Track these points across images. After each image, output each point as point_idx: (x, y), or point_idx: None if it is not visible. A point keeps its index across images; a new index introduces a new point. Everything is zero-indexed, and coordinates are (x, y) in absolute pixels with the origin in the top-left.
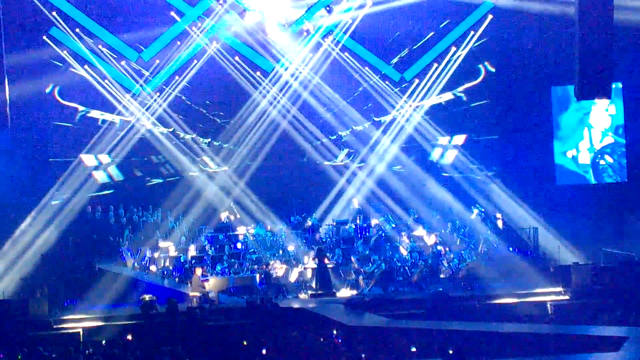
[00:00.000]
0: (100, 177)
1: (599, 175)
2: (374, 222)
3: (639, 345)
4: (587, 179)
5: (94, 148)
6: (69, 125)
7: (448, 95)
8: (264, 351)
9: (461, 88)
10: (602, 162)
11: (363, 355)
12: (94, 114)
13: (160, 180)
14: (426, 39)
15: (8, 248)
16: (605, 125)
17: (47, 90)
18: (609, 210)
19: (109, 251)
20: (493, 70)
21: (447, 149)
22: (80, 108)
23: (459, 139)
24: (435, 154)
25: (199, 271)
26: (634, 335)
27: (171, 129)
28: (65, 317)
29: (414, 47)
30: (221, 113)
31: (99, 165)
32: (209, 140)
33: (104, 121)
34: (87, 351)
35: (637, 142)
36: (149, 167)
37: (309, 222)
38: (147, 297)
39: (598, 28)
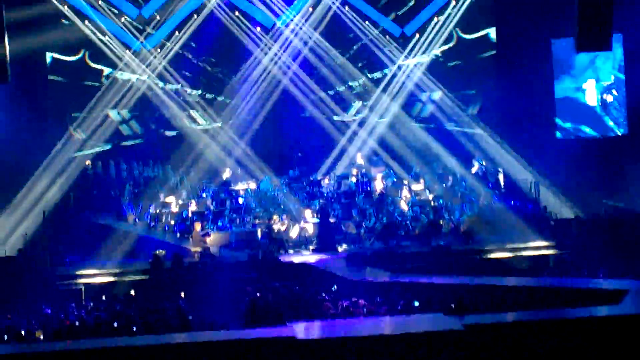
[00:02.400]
0: (123, 130)
1: (606, 107)
2: (379, 176)
3: (639, 297)
4: (596, 110)
5: (99, 104)
6: (97, 84)
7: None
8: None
9: (442, 49)
10: (608, 97)
11: (365, 310)
12: (119, 74)
13: (174, 133)
14: None
15: (16, 205)
16: (610, 64)
17: (78, 56)
18: (610, 163)
19: (111, 206)
20: (465, 36)
21: (427, 104)
22: (106, 70)
23: (436, 95)
24: (415, 110)
25: (198, 226)
26: (634, 288)
27: (177, 86)
28: (67, 274)
29: (415, 2)
30: (216, 66)
31: (121, 120)
32: (200, 92)
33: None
34: (89, 307)
35: (637, 94)
36: (163, 120)
37: (327, 180)
38: (158, 252)
39: None
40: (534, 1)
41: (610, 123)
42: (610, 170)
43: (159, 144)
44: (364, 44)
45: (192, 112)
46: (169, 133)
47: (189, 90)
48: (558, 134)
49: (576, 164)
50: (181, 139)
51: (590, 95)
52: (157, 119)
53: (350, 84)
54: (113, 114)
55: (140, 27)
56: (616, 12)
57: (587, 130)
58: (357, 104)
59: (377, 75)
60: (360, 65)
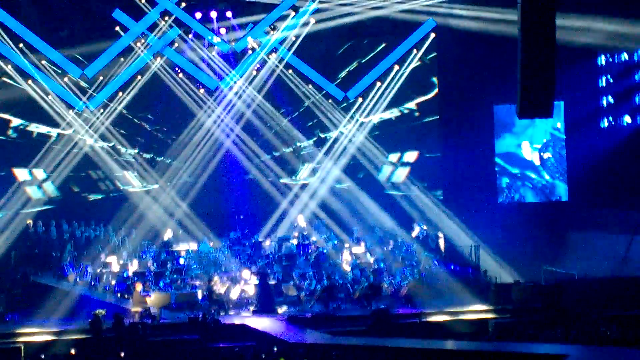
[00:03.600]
0: (32, 192)
1: (544, 163)
2: (314, 239)
3: None
4: (534, 165)
5: (30, 162)
6: (2, 138)
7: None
8: None
9: (410, 104)
10: (545, 154)
11: None
12: (31, 127)
13: (99, 196)
14: (368, 58)
15: None
16: (546, 123)
17: None
18: (550, 229)
19: (51, 265)
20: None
21: (398, 167)
22: (16, 121)
23: (411, 156)
24: (385, 172)
25: (139, 286)
26: (574, 353)
27: (111, 144)
28: (6, 332)
29: (357, 66)
30: (162, 127)
31: (31, 180)
32: (136, 151)
33: (39, 135)
34: None
35: (577, 160)
36: (89, 182)
37: (268, 242)
38: (98, 311)
39: (540, 48)
40: (476, 68)
41: (547, 177)
42: (550, 235)
43: (80, 207)
44: (308, 107)
45: (127, 174)
46: (92, 197)
47: (124, 149)
48: (505, 180)
49: (516, 229)
50: (123, 200)
51: (526, 152)
52: (83, 180)
53: (294, 147)
54: (21, 174)
55: (83, 88)
56: (557, 79)
57: (533, 175)
58: (308, 166)
59: (329, 135)
60: (304, 128)
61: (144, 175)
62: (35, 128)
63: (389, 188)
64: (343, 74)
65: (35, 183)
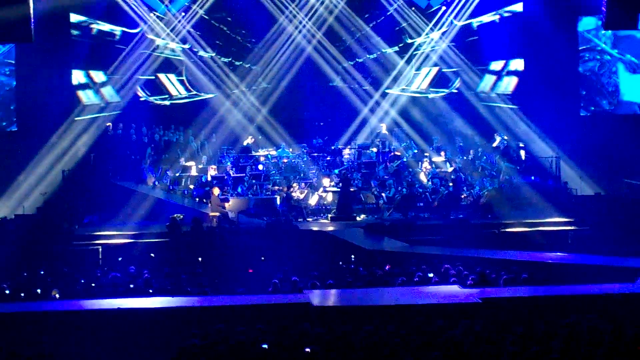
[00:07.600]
0: (84, 97)
1: None
2: (394, 147)
3: None
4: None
5: (97, 64)
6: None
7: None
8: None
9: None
10: None
11: (382, 280)
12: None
13: (166, 103)
14: None
15: (36, 163)
16: None
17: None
18: (632, 141)
19: (131, 169)
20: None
21: (504, 76)
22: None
23: (518, 63)
24: (486, 83)
25: (216, 191)
26: None
27: (212, 53)
28: (85, 234)
29: None
30: (243, 31)
31: (87, 84)
32: (229, 59)
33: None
34: (105, 267)
35: None
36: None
37: (348, 149)
38: (176, 216)
39: None
40: None
41: None
42: (632, 148)
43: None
44: (390, 15)
45: (164, 77)
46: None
47: (220, 58)
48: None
49: (598, 141)
50: (202, 104)
51: None
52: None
53: (377, 53)
54: (77, 76)
55: None
56: None
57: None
58: (424, 73)
59: (417, 40)
60: (386, 35)
61: (224, 79)
62: (95, 25)
63: (485, 98)
64: None
65: (94, 87)
